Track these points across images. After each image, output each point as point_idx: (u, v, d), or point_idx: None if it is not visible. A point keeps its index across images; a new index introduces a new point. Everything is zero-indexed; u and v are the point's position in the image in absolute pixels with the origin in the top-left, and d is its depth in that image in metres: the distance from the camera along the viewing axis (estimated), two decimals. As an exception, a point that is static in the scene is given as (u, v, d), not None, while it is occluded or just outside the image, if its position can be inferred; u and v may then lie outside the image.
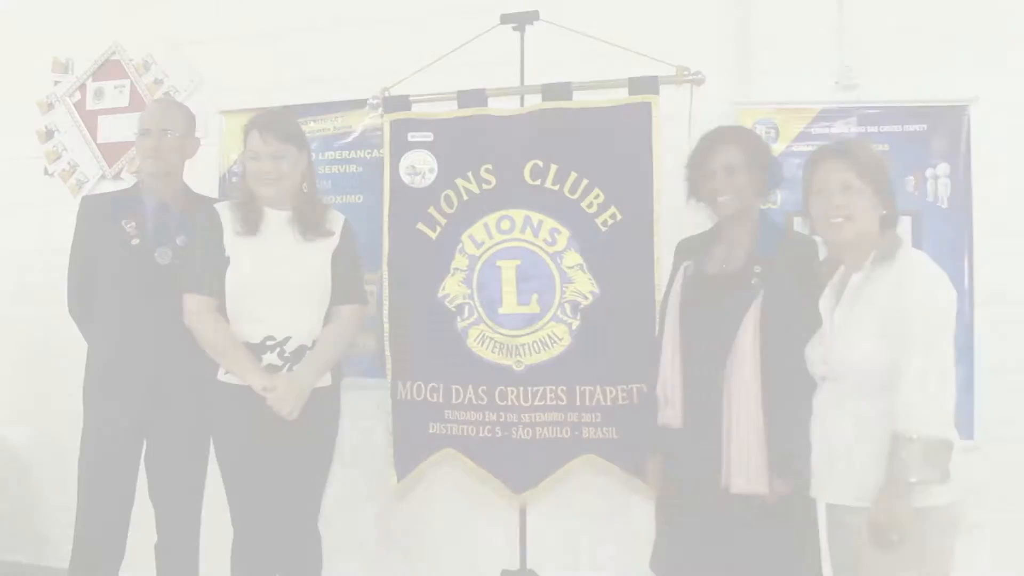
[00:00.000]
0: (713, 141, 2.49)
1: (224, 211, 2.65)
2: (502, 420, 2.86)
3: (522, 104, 2.97)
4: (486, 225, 2.89)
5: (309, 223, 2.64)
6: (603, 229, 2.81)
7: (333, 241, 2.66)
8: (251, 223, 2.61)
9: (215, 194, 3.41)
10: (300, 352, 2.59)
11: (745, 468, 2.27)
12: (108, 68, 3.78)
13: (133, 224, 2.78)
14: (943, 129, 2.82)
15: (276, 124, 2.62)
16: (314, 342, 2.60)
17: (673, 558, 2.49)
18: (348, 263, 2.69)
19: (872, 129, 2.84)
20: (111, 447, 2.78)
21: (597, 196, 2.81)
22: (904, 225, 2.75)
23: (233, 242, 2.59)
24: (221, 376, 2.60)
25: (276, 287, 2.58)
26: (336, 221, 2.71)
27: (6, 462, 3.91)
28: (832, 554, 2.18)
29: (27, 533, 3.89)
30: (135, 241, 2.77)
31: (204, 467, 2.90)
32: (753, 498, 2.26)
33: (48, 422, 3.77)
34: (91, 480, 2.80)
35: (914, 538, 1.91)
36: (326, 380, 2.65)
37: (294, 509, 2.67)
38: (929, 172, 2.82)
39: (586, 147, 2.82)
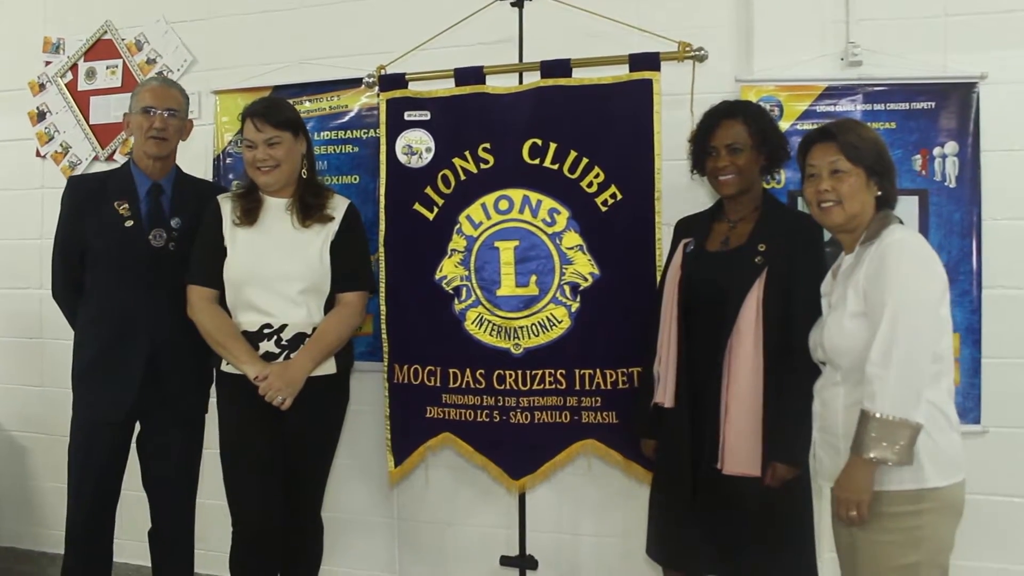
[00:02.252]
0: (717, 117, 2.44)
1: (225, 202, 2.66)
2: (500, 404, 2.84)
3: (521, 82, 2.92)
4: (484, 205, 2.85)
5: (307, 210, 2.61)
6: (603, 209, 2.76)
7: (332, 227, 2.62)
8: (250, 212, 2.60)
9: (208, 175, 3.38)
10: (298, 340, 2.56)
11: (740, 450, 2.24)
12: (100, 48, 3.72)
13: (126, 206, 2.71)
14: (951, 107, 2.76)
15: (270, 111, 2.60)
16: (314, 329, 2.57)
17: (666, 541, 2.46)
18: (350, 249, 2.65)
19: (879, 107, 2.79)
20: (102, 433, 2.72)
21: (597, 175, 2.76)
22: (910, 205, 2.72)
23: (231, 232, 2.60)
24: (224, 367, 2.60)
25: (271, 276, 2.56)
26: (339, 207, 2.67)
27: (3, 448, 3.89)
28: (836, 537, 2.17)
29: (25, 519, 3.86)
30: (129, 223, 2.70)
31: (198, 453, 2.86)
32: (747, 481, 2.23)
33: (44, 407, 3.74)
34: (82, 466, 2.74)
35: (908, 523, 1.91)
36: (330, 368, 2.62)
37: (297, 499, 2.66)
38: (936, 151, 2.76)
39: (586, 125, 2.78)
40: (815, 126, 2.59)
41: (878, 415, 1.87)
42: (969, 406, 2.74)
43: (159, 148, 2.75)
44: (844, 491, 1.95)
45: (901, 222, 2.09)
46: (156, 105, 2.74)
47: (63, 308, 2.85)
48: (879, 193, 2.09)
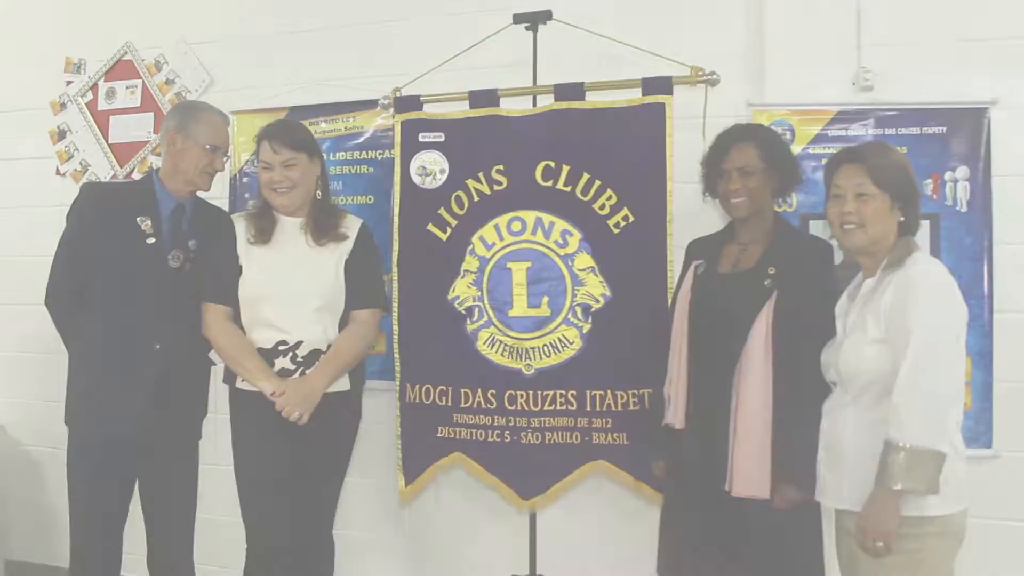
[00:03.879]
0: (729, 140, 2.44)
1: (239, 221, 2.68)
2: (511, 424, 2.85)
3: (534, 104, 2.95)
4: (497, 226, 2.88)
5: (322, 229, 2.64)
6: (615, 231, 2.78)
7: (346, 246, 2.65)
8: (264, 232, 2.63)
9: (225, 194, 3.42)
10: (314, 356, 2.58)
11: (749, 472, 2.24)
12: (120, 68, 3.78)
13: (148, 222, 2.63)
14: (962, 131, 2.77)
15: (286, 133, 2.63)
16: (329, 346, 2.59)
17: (676, 562, 2.46)
18: (364, 267, 2.67)
19: (890, 131, 2.79)
20: (109, 454, 2.63)
21: (610, 198, 2.78)
22: (922, 229, 2.71)
23: (246, 251, 2.62)
24: (239, 384, 2.62)
25: (286, 293, 2.57)
26: (352, 226, 2.69)
27: (20, 463, 3.91)
28: (839, 557, 2.17)
29: (40, 533, 3.87)
30: (150, 240, 2.62)
31: (197, 473, 2.82)
32: (756, 503, 2.23)
33: (60, 423, 3.73)
34: (88, 489, 2.65)
35: (908, 546, 1.90)
36: (343, 385, 2.63)
37: (310, 516, 2.66)
38: (948, 175, 2.77)
39: (599, 148, 2.80)
40: (827, 150, 2.62)
41: (907, 446, 1.85)
42: (981, 430, 2.74)
43: (209, 185, 2.77)
44: (870, 521, 1.91)
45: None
46: (222, 147, 2.75)
47: (57, 315, 2.73)
48: (902, 219, 2.08)
